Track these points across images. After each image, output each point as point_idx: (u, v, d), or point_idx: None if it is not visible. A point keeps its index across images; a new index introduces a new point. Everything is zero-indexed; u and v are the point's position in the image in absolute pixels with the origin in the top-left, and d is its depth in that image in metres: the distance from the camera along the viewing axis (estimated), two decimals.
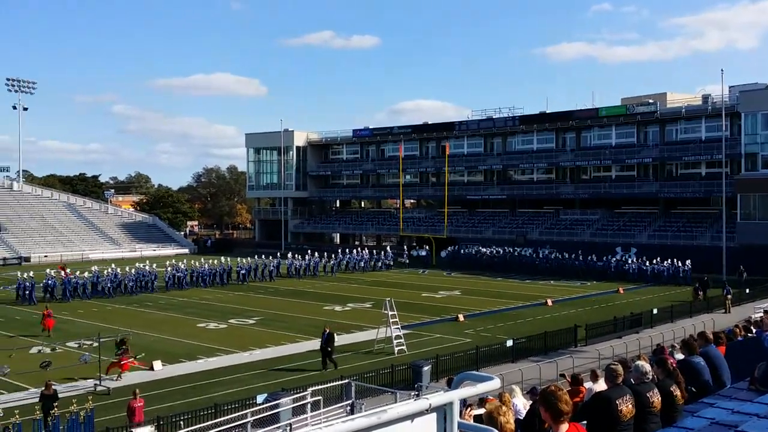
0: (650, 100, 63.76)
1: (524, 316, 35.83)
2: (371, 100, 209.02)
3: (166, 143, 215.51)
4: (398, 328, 27.54)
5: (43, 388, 18.62)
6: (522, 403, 11.97)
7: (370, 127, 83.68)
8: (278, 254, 58.70)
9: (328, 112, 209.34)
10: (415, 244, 70.04)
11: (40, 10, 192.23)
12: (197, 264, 50.05)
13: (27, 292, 40.56)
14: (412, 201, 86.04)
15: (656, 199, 62.14)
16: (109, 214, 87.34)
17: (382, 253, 60.98)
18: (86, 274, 44.62)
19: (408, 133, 79.36)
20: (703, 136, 60.57)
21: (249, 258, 53.93)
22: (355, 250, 60.20)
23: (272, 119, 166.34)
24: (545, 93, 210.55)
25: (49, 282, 42.11)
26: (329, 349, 24.61)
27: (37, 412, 17.40)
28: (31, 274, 42.51)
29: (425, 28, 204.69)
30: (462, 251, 63.68)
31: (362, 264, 58.43)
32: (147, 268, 46.85)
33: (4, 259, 67.37)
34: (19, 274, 44.00)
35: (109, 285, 43.55)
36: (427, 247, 66.27)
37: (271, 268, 52.21)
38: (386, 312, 27.03)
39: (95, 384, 21.89)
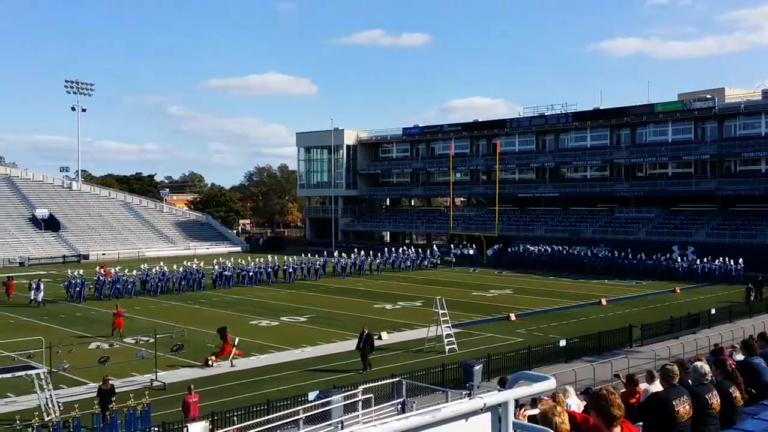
0: (708, 96, 62.09)
1: (577, 315, 35.30)
2: (421, 98, 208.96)
3: (219, 143, 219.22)
4: (449, 326, 27.42)
5: (101, 383, 19.10)
6: (576, 404, 11.76)
7: (420, 125, 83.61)
8: (324, 252, 58.88)
9: (377, 111, 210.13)
10: (465, 242, 69.64)
11: (97, 13, 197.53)
12: (244, 262, 50.50)
13: (77, 289, 41.33)
14: (462, 199, 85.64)
15: (714, 196, 60.50)
16: (164, 213, 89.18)
17: (428, 251, 60.70)
18: (134, 272, 45.36)
19: (458, 130, 78.97)
20: (762, 131, 58.73)
21: (296, 256, 54.33)
22: (401, 249, 60.09)
23: (323, 118, 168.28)
24: (599, 89, 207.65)
25: (100, 279, 42.73)
26: (367, 350, 24.16)
27: (96, 407, 17.88)
28: (81, 272, 43.62)
29: (476, 24, 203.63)
30: (509, 249, 63.18)
31: (408, 263, 58.23)
32: (194, 266, 47.38)
33: (64, 256, 69.39)
34: (69, 272, 45.03)
35: (157, 283, 44.15)
36: (475, 246, 65.86)
37: (318, 266, 52.40)
38: (437, 310, 26.95)
39: (151, 379, 22.36)
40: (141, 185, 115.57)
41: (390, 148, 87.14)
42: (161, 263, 48.34)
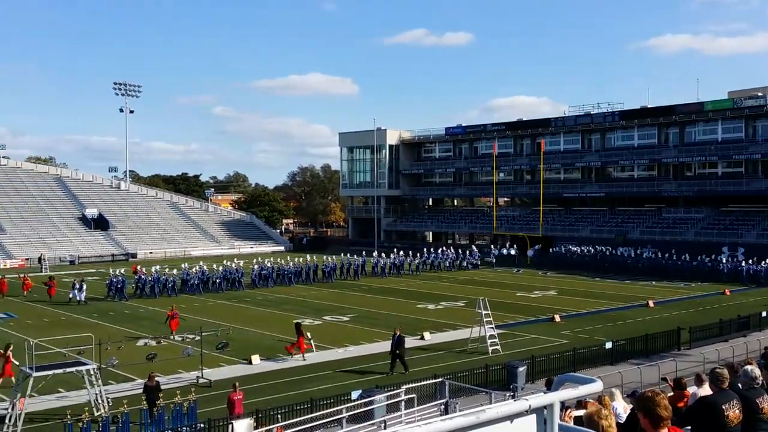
0: (759, 93, 60.49)
1: (624, 317, 34.75)
2: (464, 97, 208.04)
3: (263, 143, 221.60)
4: (492, 327, 27.26)
5: (147, 380, 19.46)
6: (622, 407, 11.59)
7: (463, 124, 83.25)
8: (363, 252, 58.75)
9: (420, 111, 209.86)
10: (509, 242, 69.11)
11: (144, 15, 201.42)
12: (283, 262, 50.81)
13: (119, 286, 42.01)
14: (505, 199, 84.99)
15: (765, 196, 58.91)
16: (209, 213, 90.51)
17: (468, 252, 60.20)
18: (174, 271, 45.96)
19: (502, 130, 78.40)
20: None
21: (335, 256, 54.51)
22: (440, 249, 59.71)
23: (365, 118, 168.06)
24: (646, 87, 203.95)
25: (141, 278, 43.35)
26: (398, 352, 23.74)
27: (143, 403, 18.23)
28: (122, 270, 44.34)
29: (520, 23, 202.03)
30: (552, 250, 62.52)
31: (447, 263, 57.74)
32: (234, 265, 47.70)
33: (113, 255, 70.93)
34: (111, 270, 45.88)
35: (196, 282, 44.60)
36: (515, 246, 65.27)
37: (356, 266, 52.37)
38: (480, 311, 26.80)
39: (197, 376, 22.70)
40: (187, 185, 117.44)
41: (433, 148, 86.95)
42: (201, 262, 49.01)
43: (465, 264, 58.39)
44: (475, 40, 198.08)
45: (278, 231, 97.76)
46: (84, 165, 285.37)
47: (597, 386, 3.67)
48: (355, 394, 18.22)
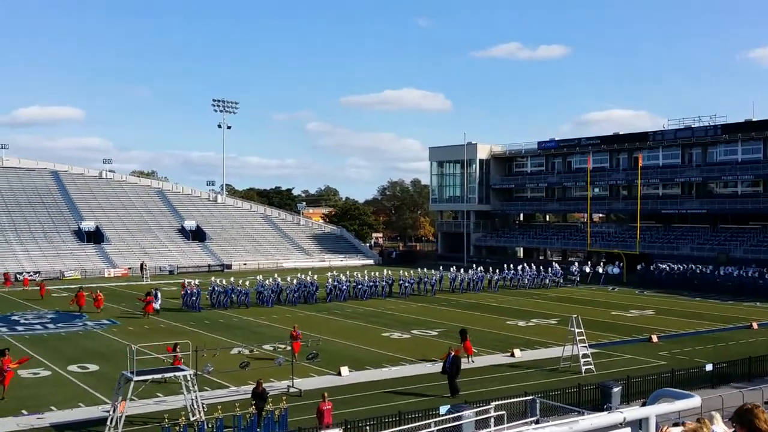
0: None
1: (726, 339, 33.11)
2: (557, 111, 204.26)
3: (355, 157, 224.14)
4: (585, 346, 26.52)
5: (255, 386, 19.92)
6: (723, 431, 11.03)
7: (556, 138, 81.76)
8: (440, 267, 57.13)
9: (511, 125, 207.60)
10: (604, 259, 67.10)
11: (242, 35, 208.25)
12: (359, 275, 50.47)
13: (194, 299, 42.72)
14: (600, 215, 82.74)
15: None
16: (301, 226, 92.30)
17: (549, 269, 57.97)
18: (247, 283, 46.41)
19: (597, 144, 76.52)
20: None
21: (411, 271, 53.94)
22: (520, 266, 57.74)
23: (456, 133, 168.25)
24: (751, 100, 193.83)
25: (215, 289, 44.10)
26: (454, 373, 22.77)
27: (237, 409, 18.67)
28: (197, 281, 45.26)
29: (617, 35, 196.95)
30: (638, 267, 60.31)
31: (526, 280, 55.89)
32: (308, 279, 47.46)
33: (209, 265, 73.31)
34: (185, 281, 46.90)
35: (270, 294, 44.78)
36: (589, 263, 62.72)
37: (433, 281, 51.47)
38: (573, 329, 26.14)
39: (288, 386, 23.08)
40: (280, 198, 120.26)
41: (524, 162, 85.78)
42: (275, 275, 49.27)
43: (547, 282, 56.40)
44: (571, 53, 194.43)
45: (368, 245, 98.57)
46: (184, 178, 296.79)
47: (695, 401, 3.50)
48: (443, 409, 18.08)
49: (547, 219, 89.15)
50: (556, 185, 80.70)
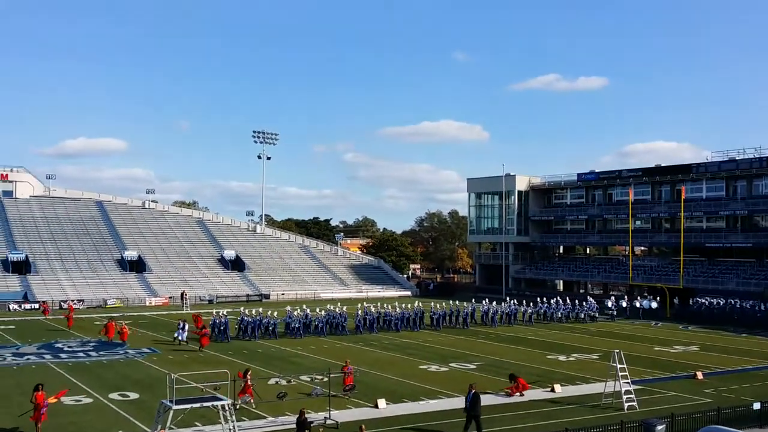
0: None
1: None
2: (597, 143, 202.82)
3: (393, 188, 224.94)
4: (628, 382, 25.90)
5: (298, 415, 20.00)
6: None
7: (596, 170, 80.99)
8: (473, 300, 56.26)
9: (550, 156, 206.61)
10: (644, 293, 65.81)
11: (283, 65, 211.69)
12: (390, 307, 49.95)
13: (222, 327, 42.54)
14: (642, 248, 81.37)
15: None
16: (339, 256, 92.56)
17: (584, 303, 56.56)
18: (276, 314, 46.18)
19: (638, 176, 75.58)
20: None
21: (444, 303, 53.34)
22: (554, 299, 56.52)
23: (494, 164, 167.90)
24: None
25: (244, 319, 44.09)
26: (473, 412, 21.70)
27: None
28: (225, 312, 45.22)
29: (659, 65, 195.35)
30: (675, 301, 58.85)
31: (559, 314, 54.58)
32: (337, 310, 47.14)
33: (248, 295, 73.79)
34: (214, 311, 47.06)
35: (298, 325, 44.41)
36: (626, 297, 61.35)
37: (465, 313, 50.71)
38: (614, 365, 25.57)
39: (325, 417, 22.94)
40: (318, 229, 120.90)
41: (564, 194, 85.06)
42: (304, 305, 49.16)
43: (582, 316, 55.11)
44: (610, 85, 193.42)
45: (405, 276, 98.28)
46: (224, 209, 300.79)
47: None
48: None
49: (588, 252, 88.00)
50: (597, 217, 79.76)
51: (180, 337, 40.60)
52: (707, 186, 69.94)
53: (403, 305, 50.94)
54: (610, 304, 58.10)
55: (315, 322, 45.63)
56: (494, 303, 53.99)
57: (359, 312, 48.05)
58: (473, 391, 22.29)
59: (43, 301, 61.08)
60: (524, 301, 55.02)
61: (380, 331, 46.94)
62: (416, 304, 51.94)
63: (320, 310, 47.42)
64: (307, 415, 20.09)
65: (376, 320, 48.06)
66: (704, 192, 70.05)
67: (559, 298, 57.51)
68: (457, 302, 53.33)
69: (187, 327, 41.46)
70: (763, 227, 66.35)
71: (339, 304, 52.00)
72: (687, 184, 69.88)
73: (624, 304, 59.11)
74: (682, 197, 65.67)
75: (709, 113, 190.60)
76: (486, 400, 26.52)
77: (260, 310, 46.63)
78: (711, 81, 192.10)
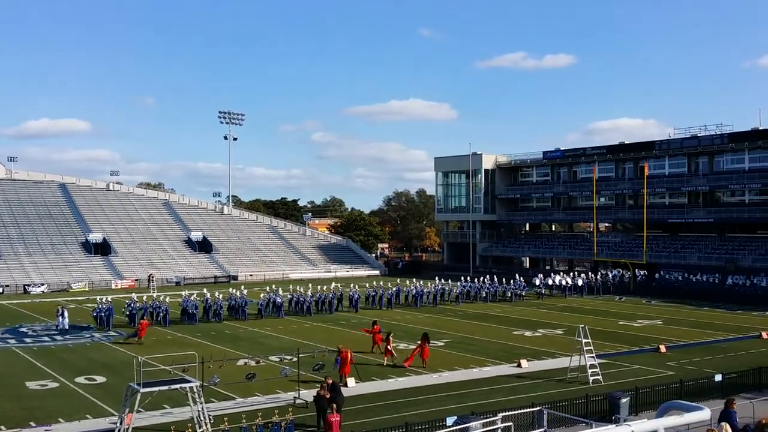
0: None
1: (735, 349, 32.90)
2: (563, 121, 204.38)
3: (361, 168, 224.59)
4: (593, 356, 26.38)
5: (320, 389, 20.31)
6: None
7: (562, 148, 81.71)
8: (408, 281, 55.66)
9: (517, 135, 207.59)
10: (610, 268, 66.87)
11: (248, 46, 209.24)
12: (302, 290, 48.21)
13: (191, 311, 42.17)
14: (607, 224, 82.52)
15: None
16: (307, 237, 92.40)
17: (512, 281, 55.51)
18: (220, 296, 45.18)
19: (602, 153, 76.45)
20: None
21: (374, 283, 53.38)
22: (476, 279, 55.35)
23: (462, 143, 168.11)
24: (758, 108, 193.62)
25: (233, 300, 44.16)
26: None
27: (243, 421, 18.63)
28: (207, 292, 45.00)
29: (624, 43, 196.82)
30: (656, 276, 59.90)
31: (483, 293, 53.57)
32: (238, 293, 45.64)
33: (215, 277, 73.43)
34: (184, 293, 46.59)
35: (243, 305, 43.87)
36: (560, 274, 61.73)
37: (390, 294, 49.95)
38: (580, 339, 26.01)
39: (294, 397, 23.02)
40: (286, 209, 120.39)
41: (530, 172, 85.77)
42: (242, 287, 48.86)
43: (508, 294, 54.46)
44: (577, 63, 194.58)
45: (374, 255, 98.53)
46: (191, 190, 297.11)
47: (704, 414, 3.47)
48: (450, 420, 18.00)
49: (553, 229, 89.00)
50: (562, 195, 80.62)
51: (60, 325, 38.78)
52: (670, 163, 71.04)
53: (318, 287, 49.86)
54: (537, 282, 58.10)
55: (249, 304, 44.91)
56: (420, 283, 53.43)
57: (289, 294, 47.20)
58: (330, 382, 21.18)
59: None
60: (449, 281, 54.77)
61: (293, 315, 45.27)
62: (374, 283, 51.91)
63: (287, 292, 47.41)
64: (275, 395, 20.03)
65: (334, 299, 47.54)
66: (667, 168, 71.17)
67: (485, 276, 56.26)
68: (380, 283, 53.80)
69: (66, 314, 39.71)
70: (724, 203, 67.68)
71: (274, 286, 50.70)
72: (650, 161, 70.90)
73: (551, 282, 58.60)
74: (645, 174, 66.64)
75: (674, 90, 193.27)
76: (459, 375, 26.86)
77: (204, 291, 46.09)
78: (677, 57, 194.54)
